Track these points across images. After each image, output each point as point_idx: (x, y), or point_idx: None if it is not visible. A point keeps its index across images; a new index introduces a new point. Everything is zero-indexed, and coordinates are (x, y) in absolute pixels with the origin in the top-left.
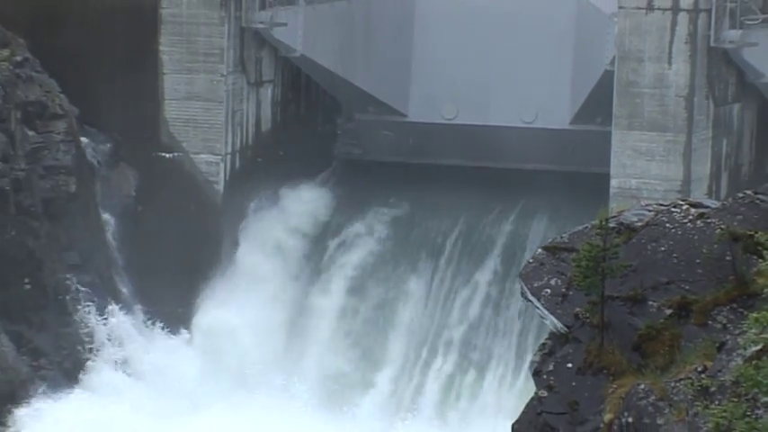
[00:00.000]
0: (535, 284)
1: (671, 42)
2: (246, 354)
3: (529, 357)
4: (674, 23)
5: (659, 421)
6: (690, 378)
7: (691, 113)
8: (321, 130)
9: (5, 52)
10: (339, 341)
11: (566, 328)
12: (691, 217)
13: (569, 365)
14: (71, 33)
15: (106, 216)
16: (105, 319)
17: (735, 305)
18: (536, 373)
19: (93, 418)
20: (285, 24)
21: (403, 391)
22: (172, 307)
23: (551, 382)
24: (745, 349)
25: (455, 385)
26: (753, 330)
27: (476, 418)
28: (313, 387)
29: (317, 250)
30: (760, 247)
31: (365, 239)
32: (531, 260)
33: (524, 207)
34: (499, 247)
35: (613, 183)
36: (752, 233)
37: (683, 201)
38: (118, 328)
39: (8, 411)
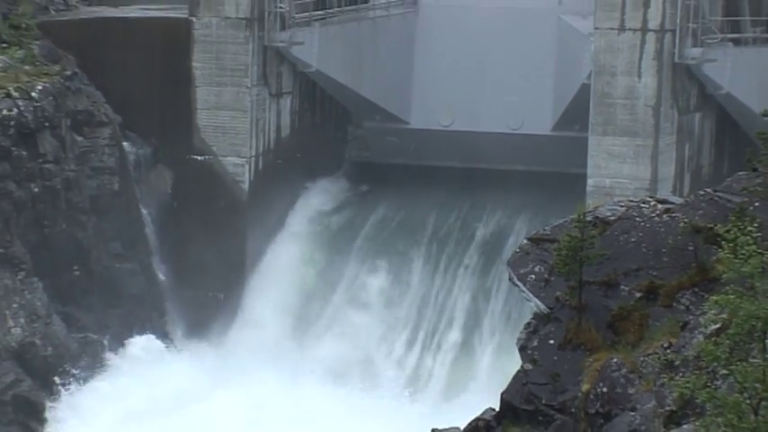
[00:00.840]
0: (521, 271)
1: (640, 59)
2: (268, 326)
3: (515, 335)
4: (642, 42)
5: (630, 391)
6: (657, 353)
7: (657, 121)
8: (333, 136)
9: (57, 67)
10: (350, 314)
11: (548, 309)
12: (658, 212)
13: (551, 342)
14: (114, 51)
15: (145, 211)
16: (144, 300)
17: (696, 289)
18: (522, 349)
19: (134, 385)
20: (302, 43)
21: (408, 357)
22: (204, 290)
23: (535, 356)
24: (705, 328)
25: (450, 356)
26: (712, 311)
27: (468, 388)
28: (326, 360)
29: (330, 241)
30: (718, 238)
31: (373, 230)
32: (517, 250)
33: (511, 203)
34: (490, 237)
35: (590, 182)
36: (711, 226)
37: (650, 198)
38: (155, 309)
39: (58, 382)
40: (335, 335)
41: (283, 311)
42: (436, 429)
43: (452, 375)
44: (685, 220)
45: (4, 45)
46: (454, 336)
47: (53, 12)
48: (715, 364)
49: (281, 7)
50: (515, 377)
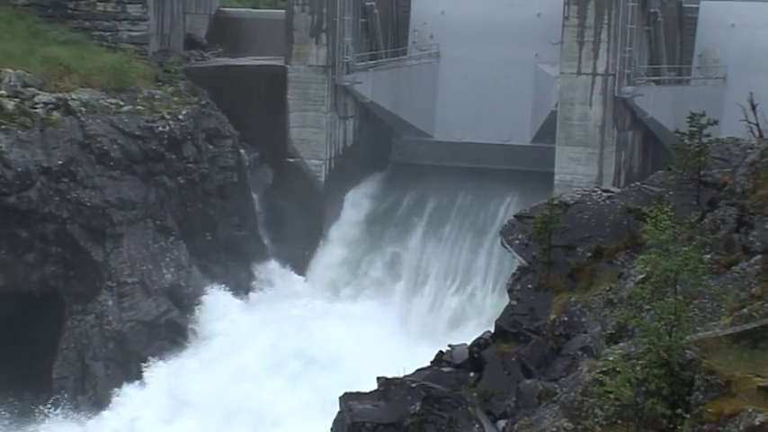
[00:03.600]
0: (509, 238)
1: (591, 94)
2: (342, 272)
3: (504, 281)
4: (593, 82)
5: (583, 320)
6: (602, 294)
7: (603, 136)
8: (382, 146)
9: (195, 99)
10: (390, 264)
11: (527, 264)
12: (603, 198)
13: (530, 286)
14: (234, 87)
15: (255, 196)
16: (254, 257)
17: (629, 250)
18: (509, 291)
19: (248, 313)
20: (361, 83)
21: (429, 297)
22: (295, 252)
23: (519, 296)
24: (635, 277)
25: (459, 295)
26: (640, 266)
27: (471, 318)
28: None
29: (380, 216)
30: (644, 216)
31: (409, 209)
32: (507, 223)
33: (503, 191)
34: (488, 215)
35: (556, 177)
36: (639, 208)
37: (598, 188)
38: (262, 264)
39: (195, 311)
40: (378, 267)
41: (347, 258)
42: (452, 344)
43: (459, 304)
44: (621, 203)
45: (160, 83)
46: (462, 276)
47: (193, 61)
48: (641, 302)
49: (346, 58)
50: (505, 310)
